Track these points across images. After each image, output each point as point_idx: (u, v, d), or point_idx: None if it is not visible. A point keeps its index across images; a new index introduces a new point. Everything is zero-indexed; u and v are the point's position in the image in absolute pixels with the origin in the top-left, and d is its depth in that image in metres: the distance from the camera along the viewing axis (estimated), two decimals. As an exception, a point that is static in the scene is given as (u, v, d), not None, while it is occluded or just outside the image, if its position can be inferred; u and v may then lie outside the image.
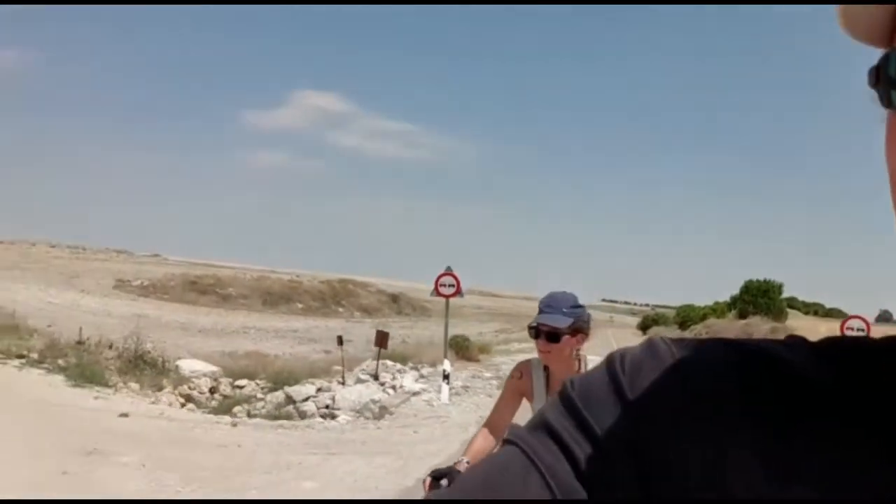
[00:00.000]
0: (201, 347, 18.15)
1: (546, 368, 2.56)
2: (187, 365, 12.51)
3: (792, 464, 0.37)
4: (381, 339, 10.40)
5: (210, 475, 5.85)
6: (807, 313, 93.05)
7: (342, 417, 9.11)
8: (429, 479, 2.19)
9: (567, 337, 2.43)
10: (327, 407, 9.50)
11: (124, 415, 7.74)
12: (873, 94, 0.35)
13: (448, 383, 10.53)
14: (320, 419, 8.99)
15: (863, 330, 13.59)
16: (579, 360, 2.52)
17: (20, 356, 10.46)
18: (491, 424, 2.47)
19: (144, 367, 11.48)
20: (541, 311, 2.48)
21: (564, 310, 2.46)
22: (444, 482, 2.11)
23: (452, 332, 13.39)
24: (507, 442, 0.43)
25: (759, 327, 25.83)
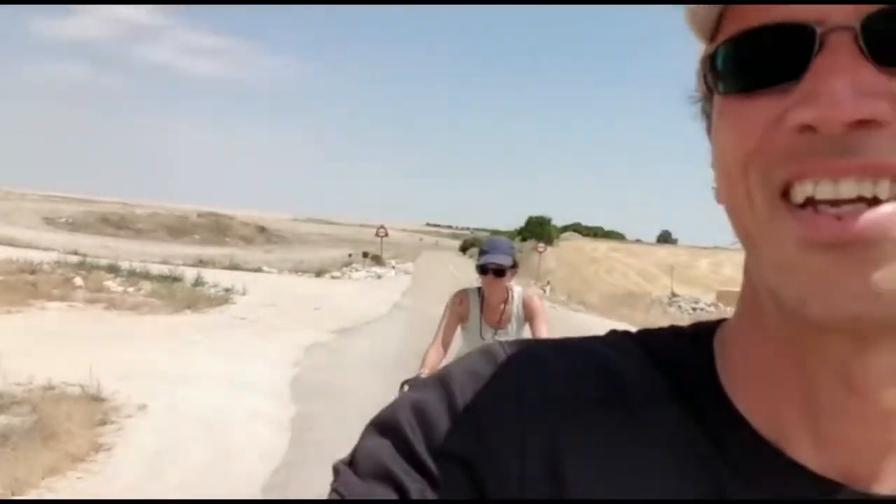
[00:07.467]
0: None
1: (481, 296, 3.10)
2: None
3: (620, 455, 0.40)
4: (366, 255, 26.82)
5: (354, 291, 21.62)
6: (586, 236, 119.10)
7: (359, 280, 25.32)
8: (406, 387, 2.66)
9: (508, 272, 3.01)
10: (350, 278, 25.59)
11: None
12: (692, 86, 0.43)
13: (394, 270, 27.36)
14: (354, 279, 25.16)
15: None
16: (509, 290, 3.11)
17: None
18: (440, 341, 3.03)
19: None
20: (486, 253, 3.03)
21: (506, 250, 3.05)
22: None
23: (319, 256, 30.34)
24: (334, 492, 0.43)
25: (527, 246, 45.04)
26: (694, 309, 22.32)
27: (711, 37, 0.38)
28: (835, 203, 0.33)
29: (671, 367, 0.44)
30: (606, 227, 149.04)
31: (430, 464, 0.41)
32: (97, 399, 5.36)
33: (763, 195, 0.36)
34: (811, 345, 0.37)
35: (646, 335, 0.47)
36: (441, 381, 0.45)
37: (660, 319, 18.02)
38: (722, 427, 0.41)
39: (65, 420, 4.54)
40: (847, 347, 0.36)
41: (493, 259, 2.95)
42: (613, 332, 0.48)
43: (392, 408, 0.45)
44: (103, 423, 4.90)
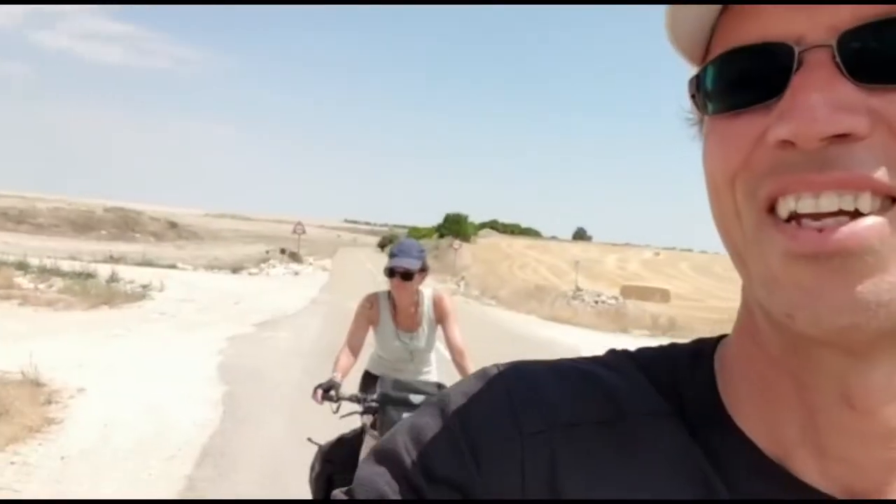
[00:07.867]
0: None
1: (391, 299, 3.08)
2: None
3: (620, 478, 0.40)
4: (283, 251, 27.05)
5: (276, 287, 21.95)
6: (504, 233, 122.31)
7: (276, 277, 25.57)
8: (320, 391, 2.76)
9: (416, 276, 2.98)
10: (268, 274, 25.83)
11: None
12: (687, 108, 0.42)
13: (312, 266, 27.63)
14: (272, 275, 25.40)
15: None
16: (418, 293, 3.08)
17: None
18: (349, 346, 3.02)
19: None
20: (395, 256, 3.00)
21: (415, 254, 3.02)
22: (332, 393, 2.76)
23: (234, 252, 30.59)
24: None
25: (443, 243, 46.11)
26: (596, 302, 23.95)
27: (702, 59, 0.40)
28: (817, 217, 0.33)
29: (671, 387, 0.44)
30: (524, 225, 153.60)
31: (427, 490, 0.41)
32: (38, 384, 5.82)
33: (750, 211, 0.36)
34: (806, 360, 0.37)
35: (645, 355, 0.48)
36: (439, 405, 0.45)
37: (564, 311, 19.35)
38: (723, 447, 0.41)
39: (14, 400, 5.02)
40: (842, 362, 0.36)
41: (401, 262, 2.96)
42: (612, 353, 0.49)
43: (391, 435, 0.46)
44: (49, 402, 5.40)
